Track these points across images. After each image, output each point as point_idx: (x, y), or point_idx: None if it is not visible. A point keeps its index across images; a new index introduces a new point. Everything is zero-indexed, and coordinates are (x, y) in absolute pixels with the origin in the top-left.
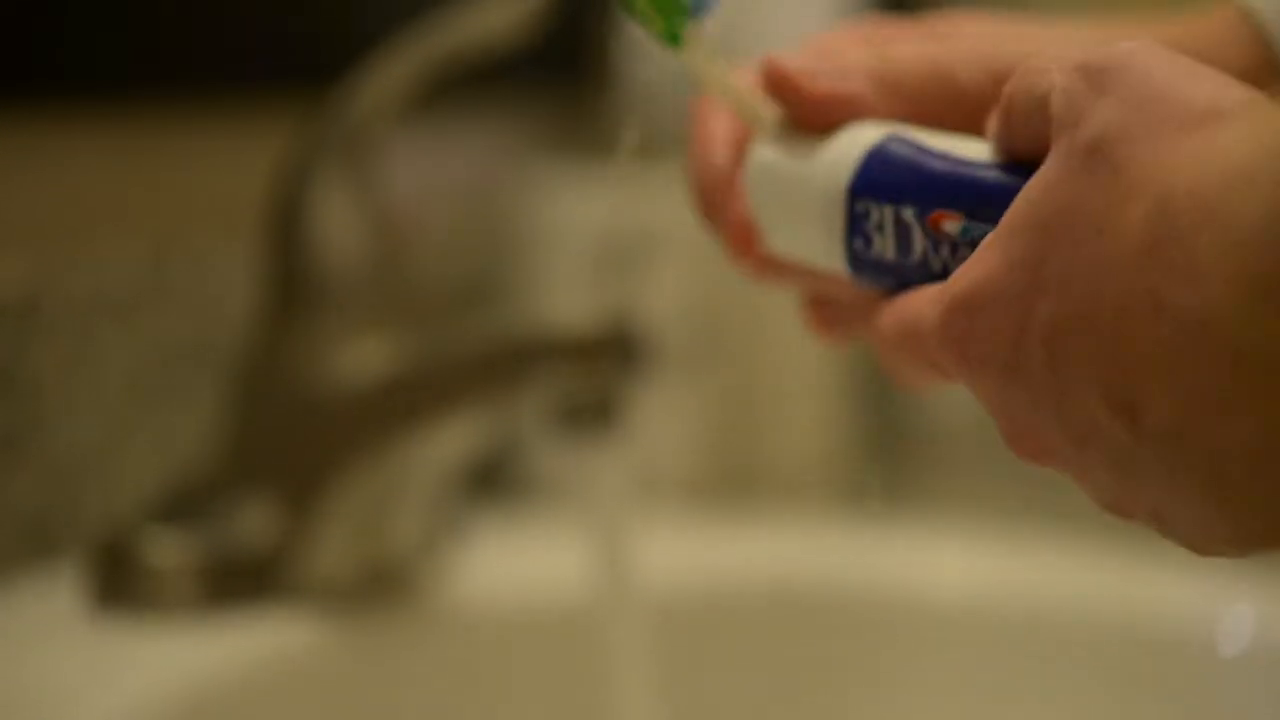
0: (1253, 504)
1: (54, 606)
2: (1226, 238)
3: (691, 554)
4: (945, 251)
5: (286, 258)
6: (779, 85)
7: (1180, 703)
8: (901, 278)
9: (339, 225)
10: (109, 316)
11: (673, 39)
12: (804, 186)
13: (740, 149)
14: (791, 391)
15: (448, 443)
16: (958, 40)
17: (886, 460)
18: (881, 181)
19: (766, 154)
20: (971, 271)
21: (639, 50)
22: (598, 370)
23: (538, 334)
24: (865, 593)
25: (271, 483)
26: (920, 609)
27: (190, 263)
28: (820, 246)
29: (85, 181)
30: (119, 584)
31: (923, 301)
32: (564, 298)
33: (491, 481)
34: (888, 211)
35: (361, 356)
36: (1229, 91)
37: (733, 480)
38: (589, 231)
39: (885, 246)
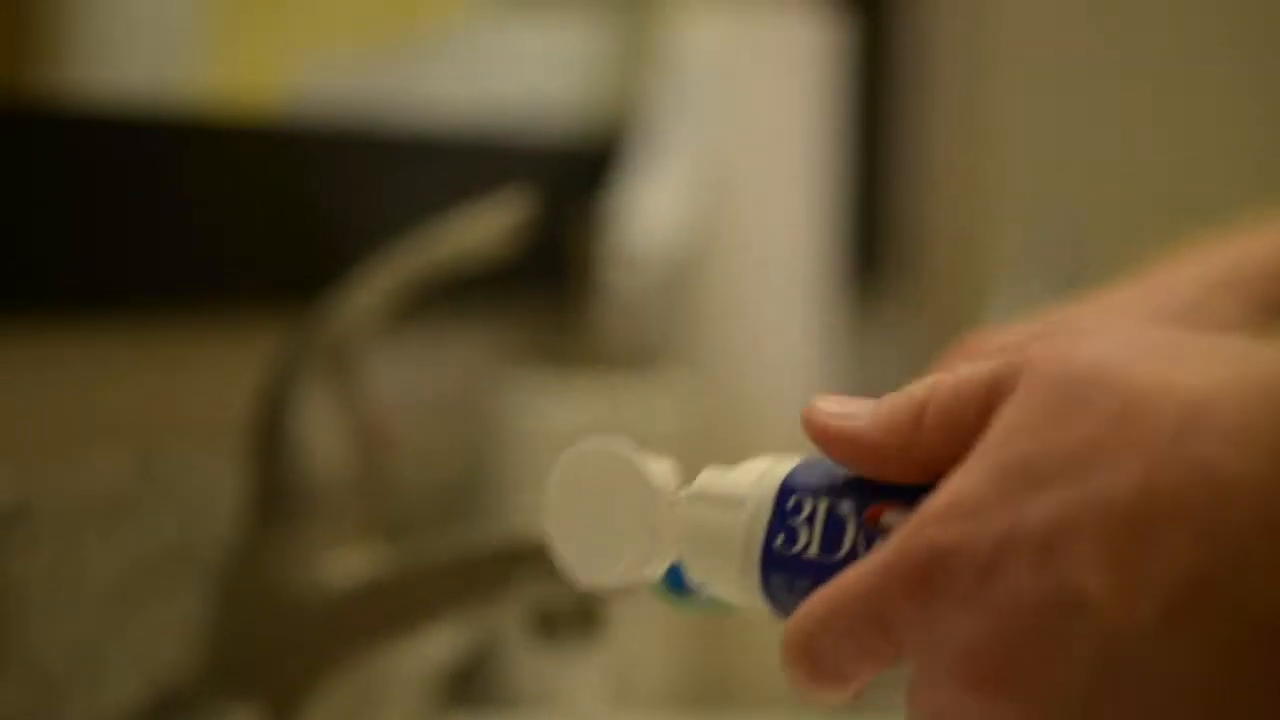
0: (1254, 696)
1: None
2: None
3: None
4: (879, 544)
5: (270, 466)
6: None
7: None
8: (816, 577)
9: (322, 435)
10: (94, 524)
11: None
12: (733, 492)
13: None
14: None
15: (428, 649)
16: None
17: None
18: (819, 475)
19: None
20: (948, 488)
21: (620, 260)
22: None
23: (517, 541)
24: None
25: (253, 689)
26: None
27: (174, 471)
28: (735, 557)
29: (71, 391)
30: None
31: (860, 565)
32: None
33: (471, 686)
34: (821, 505)
35: (343, 564)
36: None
37: (709, 687)
38: (569, 441)
39: (810, 541)
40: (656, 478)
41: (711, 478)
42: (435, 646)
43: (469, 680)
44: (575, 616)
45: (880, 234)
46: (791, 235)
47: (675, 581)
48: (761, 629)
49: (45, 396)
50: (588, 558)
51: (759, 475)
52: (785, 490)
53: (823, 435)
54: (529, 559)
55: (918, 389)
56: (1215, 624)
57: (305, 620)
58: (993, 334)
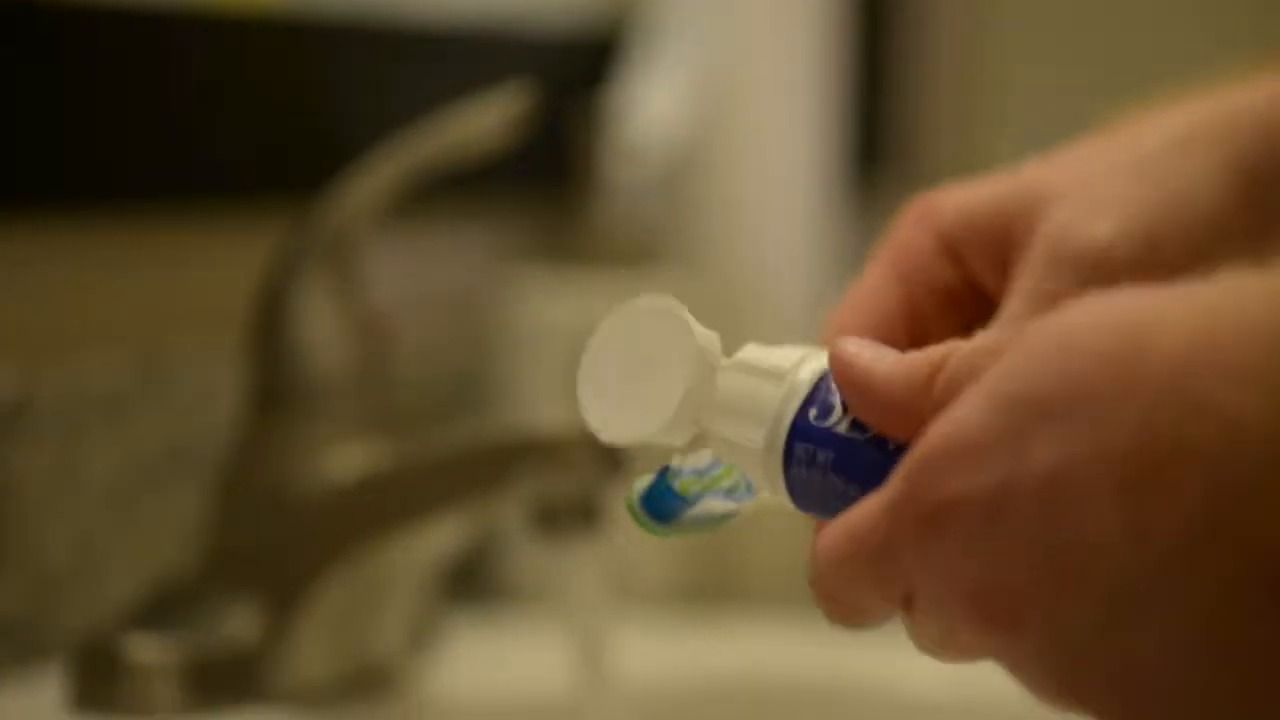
0: (1264, 641)
1: (37, 709)
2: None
3: (669, 652)
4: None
5: (270, 362)
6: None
7: None
8: (839, 453)
9: (322, 330)
10: (94, 421)
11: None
12: (777, 365)
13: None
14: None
15: (429, 543)
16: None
17: None
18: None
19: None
20: (943, 425)
21: (621, 155)
22: (577, 471)
23: (518, 435)
24: (840, 689)
25: (254, 584)
26: (892, 703)
27: (175, 367)
28: (765, 424)
29: (71, 288)
30: (101, 686)
31: (869, 501)
32: (545, 400)
33: (472, 581)
34: None
35: (344, 460)
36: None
37: (710, 579)
38: (570, 335)
39: (842, 420)
40: (705, 340)
41: (755, 352)
42: (436, 541)
43: (470, 575)
44: (576, 511)
45: (881, 129)
46: (793, 130)
47: (653, 509)
48: (762, 525)
49: (45, 294)
50: (613, 414)
51: (800, 357)
52: (827, 374)
53: (841, 377)
54: (530, 453)
55: (936, 351)
56: (1224, 562)
57: (305, 515)
58: (949, 193)
